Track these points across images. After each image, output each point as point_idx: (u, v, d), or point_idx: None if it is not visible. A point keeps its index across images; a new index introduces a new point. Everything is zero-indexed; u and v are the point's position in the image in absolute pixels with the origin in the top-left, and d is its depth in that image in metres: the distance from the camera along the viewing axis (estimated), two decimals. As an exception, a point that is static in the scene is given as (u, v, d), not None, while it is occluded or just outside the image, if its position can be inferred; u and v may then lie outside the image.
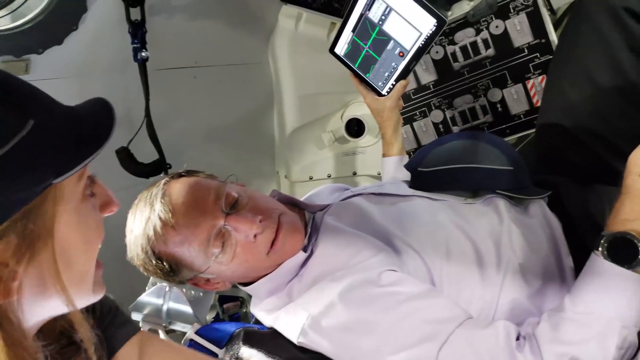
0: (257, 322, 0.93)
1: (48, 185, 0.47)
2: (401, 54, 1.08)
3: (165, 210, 0.81)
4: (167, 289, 0.86)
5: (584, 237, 0.82)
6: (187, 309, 0.87)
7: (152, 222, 0.81)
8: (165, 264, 0.81)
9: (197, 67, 1.45)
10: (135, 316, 0.94)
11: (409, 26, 1.04)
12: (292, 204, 1.00)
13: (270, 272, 0.87)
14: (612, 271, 0.70)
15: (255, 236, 0.84)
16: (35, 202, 0.46)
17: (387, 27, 1.07)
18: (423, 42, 1.04)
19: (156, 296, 0.87)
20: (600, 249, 0.71)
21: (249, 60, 1.58)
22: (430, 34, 1.03)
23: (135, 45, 1.21)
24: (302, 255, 0.88)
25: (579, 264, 0.82)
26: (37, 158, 0.45)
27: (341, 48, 1.17)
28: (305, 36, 1.51)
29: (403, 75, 1.11)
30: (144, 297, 0.87)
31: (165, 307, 0.87)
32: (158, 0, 1.29)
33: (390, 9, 1.05)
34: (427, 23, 1.01)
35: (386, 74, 1.13)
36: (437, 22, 1.00)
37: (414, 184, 1.02)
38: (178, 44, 1.39)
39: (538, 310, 0.81)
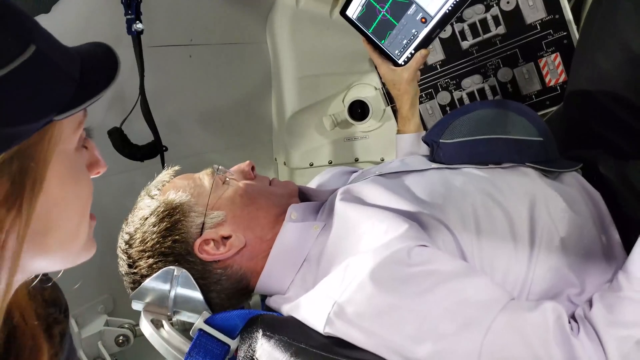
0: (270, 309, 0.86)
1: (49, 121, 0.44)
2: (424, 20, 1.01)
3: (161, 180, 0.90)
4: (175, 272, 0.77)
5: (630, 210, 0.76)
6: (197, 294, 0.78)
7: (151, 185, 0.90)
8: (170, 210, 0.82)
9: (192, 45, 1.37)
10: (137, 305, 0.85)
11: None
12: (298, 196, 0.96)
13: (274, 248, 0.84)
14: None
15: (253, 168, 0.93)
16: (32, 140, 0.44)
17: None
18: (451, 7, 0.97)
19: (162, 281, 0.79)
20: None
21: (247, 39, 1.50)
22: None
23: (129, 17, 1.12)
24: (309, 226, 0.83)
25: (627, 240, 0.78)
26: (38, 87, 0.43)
27: (353, 10, 1.09)
28: (306, 13, 1.43)
29: (424, 43, 1.04)
30: (149, 283, 0.78)
31: (172, 293, 0.79)
32: (153, -31, 1.20)
33: None
34: None
35: (404, 42, 1.06)
36: None
37: (435, 157, 0.95)
38: (173, 19, 1.30)
39: (580, 281, 0.75)
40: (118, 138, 1.16)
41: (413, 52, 1.06)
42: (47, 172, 0.46)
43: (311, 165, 1.66)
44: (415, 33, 1.03)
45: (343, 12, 1.10)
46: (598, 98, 0.94)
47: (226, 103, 1.52)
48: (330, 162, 1.65)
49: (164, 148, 1.23)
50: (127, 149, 1.18)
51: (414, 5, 1.01)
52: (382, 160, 1.61)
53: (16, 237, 0.45)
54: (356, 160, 1.66)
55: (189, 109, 1.42)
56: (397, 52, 1.08)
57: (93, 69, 0.49)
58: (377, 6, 1.04)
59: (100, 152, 0.62)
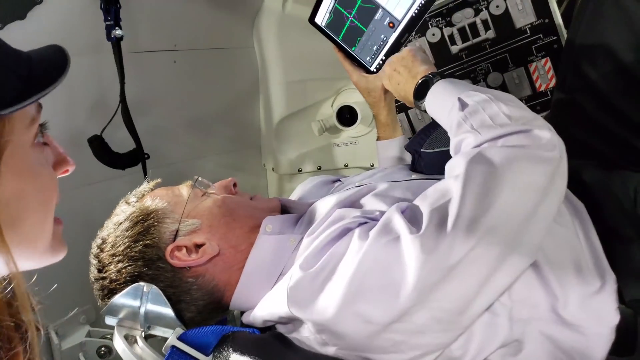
0: (246, 325, 0.84)
1: None
2: (391, 24, 1.00)
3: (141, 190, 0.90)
4: (145, 288, 0.76)
5: (613, 220, 0.74)
6: (168, 310, 0.76)
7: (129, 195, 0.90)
8: (145, 215, 0.82)
9: (176, 50, 1.35)
10: (110, 320, 0.83)
11: None
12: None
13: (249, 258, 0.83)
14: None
15: (235, 185, 0.93)
16: None
17: None
18: (417, 11, 0.96)
19: (132, 297, 0.77)
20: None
21: (233, 44, 1.48)
22: (425, 2, 0.94)
23: (108, 23, 1.10)
24: (285, 239, 0.83)
25: (609, 250, 0.77)
26: None
27: (322, 18, 1.07)
28: (293, 17, 1.41)
29: (394, 49, 1.03)
30: (118, 299, 0.77)
31: (142, 310, 0.77)
32: (133, -28, 1.18)
33: None
34: None
35: (375, 48, 1.04)
36: None
37: (417, 166, 0.94)
38: (156, 24, 1.28)
39: (564, 293, 0.73)
40: (98, 146, 1.14)
41: (384, 58, 1.05)
42: (2, 166, 0.47)
43: (300, 171, 1.64)
44: (385, 38, 1.02)
45: (312, 20, 1.08)
46: (583, 106, 0.93)
47: (212, 109, 1.50)
48: (319, 168, 1.63)
49: (146, 156, 1.22)
50: (107, 157, 1.16)
51: (380, 10, 0.99)
52: (372, 165, 1.59)
53: None
54: (346, 165, 1.64)
55: (174, 115, 1.40)
56: (368, 58, 1.07)
57: (43, 68, 0.50)
58: (345, 12, 1.03)
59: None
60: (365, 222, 0.74)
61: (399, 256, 0.64)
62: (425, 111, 0.89)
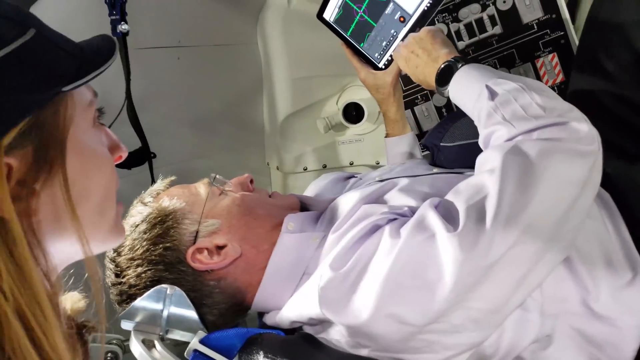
0: (269, 327, 0.81)
1: (57, 92, 0.48)
2: (402, 19, 0.98)
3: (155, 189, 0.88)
4: (168, 290, 0.73)
5: (637, 211, 0.74)
6: (192, 313, 0.74)
7: (145, 193, 0.87)
8: (163, 216, 0.80)
9: (180, 47, 1.32)
10: (126, 325, 0.80)
11: None
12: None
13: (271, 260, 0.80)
14: None
15: (251, 181, 0.90)
16: (48, 111, 0.47)
17: None
18: (429, 5, 0.94)
19: (155, 300, 0.74)
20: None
21: (237, 40, 1.46)
22: None
23: (113, 17, 1.06)
24: (307, 237, 0.81)
25: (637, 240, 0.76)
26: (42, 62, 0.47)
27: (330, 13, 1.06)
28: (298, 12, 1.39)
29: None
30: (140, 302, 0.74)
31: (165, 313, 0.74)
32: (138, -34, 1.15)
33: None
34: None
35: (384, 43, 1.03)
36: None
37: (436, 161, 0.92)
38: (160, 20, 1.26)
39: (595, 286, 0.72)
40: (104, 145, 1.11)
41: (394, 52, 1.03)
42: (67, 141, 0.49)
43: (305, 169, 1.62)
44: (395, 33, 1.01)
45: (320, 15, 1.06)
46: (601, 98, 0.92)
47: (216, 106, 1.48)
48: (324, 166, 1.61)
49: (152, 155, 1.19)
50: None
51: (391, 4, 0.98)
52: (378, 163, 1.58)
53: (62, 199, 0.48)
54: (351, 163, 1.62)
55: (178, 113, 1.37)
56: (377, 55, 1.05)
57: (93, 51, 0.53)
58: (354, 7, 1.01)
59: None
60: (395, 219, 0.72)
61: (436, 255, 0.62)
62: (448, 97, 0.86)
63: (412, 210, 0.74)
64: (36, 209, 0.47)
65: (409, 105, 1.44)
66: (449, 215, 0.66)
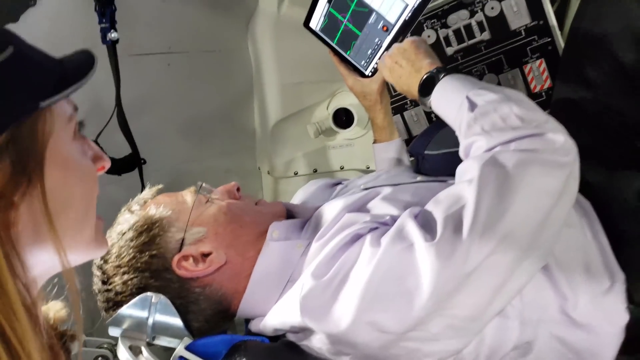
0: (254, 334, 0.82)
1: (35, 107, 0.49)
2: (385, 28, 1.00)
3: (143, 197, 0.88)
4: (153, 298, 0.74)
5: (618, 219, 0.75)
6: (177, 321, 0.75)
7: (132, 202, 0.87)
8: (149, 224, 0.80)
9: (171, 53, 1.33)
10: (113, 331, 0.81)
11: None
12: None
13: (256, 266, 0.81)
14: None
15: (238, 189, 0.90)
16: (26, 125, 0.48)
17: None
18: (410, 15, 0.96)
19: (140, 308, 0.75)
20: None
21: (228, 46, 1.46)
22: (419, 5, 0.94)
23: (103, 25, 1.08)
24: (292, 245, 0.82)
25: (615, 249, 0.78)
26: (20, 78, 0.48)
27: (316, 22, 1.07)
28: (288, 19, 1.40)
29: None
30: (125, 310, 0.75)
31: (150, 321, 0.75)
32: (127, -26, 1.16)
33: None
34: None
35: (369, 51, 1.04)
36: None
37: (420, 169, 0.93)
38: (150, 27, 1.27)
39: (574, 294, 0.74)
40: (94, 152, 1.12)
41: (379, 62, 1.05)
42: (47, 155, 0.50)
43: (296, 174, 1.63)
44: (379, 42, 1.02)
45: (306, 24, 1.08)
46: (584, 107, 0.93)
47: (207, 111, 1.49)
48: (315, 171, 1.62)
49: (142, 161, 1.20)
50: (103, 163, 1.13)
51: (374, 14, 0.99)
52: (368, 167, 1.59)
53: (40, 212, 0.49)
54: (341, 168, 1.63)
55: (169, 118, 1.38)
56: (363, 62, 1.07)
57: (73, 66, 0.54)
58: (339, 16, 1.03)
59: None
60: (376, 228, 0.73)
61: (414, 264, 0.63)
62: (430, 108, 0.87)
63: (394, 219, 0.75)
64: (15, 220, 0.48)
65: (399, 110, 1.45)
66: (427, 225, 0.67)
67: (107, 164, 0.62)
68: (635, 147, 0.87)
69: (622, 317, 0.73)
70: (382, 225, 0.74)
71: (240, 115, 1.59)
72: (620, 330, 0.73)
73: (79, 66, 0.54)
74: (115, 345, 1.18)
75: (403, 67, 0.93)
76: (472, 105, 0.76)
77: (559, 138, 0.69)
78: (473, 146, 0.74)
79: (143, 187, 1.10)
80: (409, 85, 0.92)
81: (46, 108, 0.50)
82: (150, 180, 1.00)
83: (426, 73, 0.88)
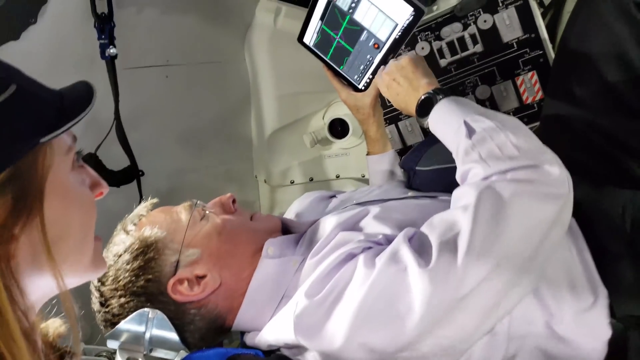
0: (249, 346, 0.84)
1: (36, 143, 0.50)
2: (376, 45, 1.01)
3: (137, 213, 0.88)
4: (150, 314, 0.76)
5: (602, 236, 0.77)
6: (173, 335, 0.77)
7: (127, 219, 0.88)
8: (144, 247, 0.81)
9: (169, 65, 1.35)
10: (112, 344, 0.83)
11: (383, 16, 0.97)
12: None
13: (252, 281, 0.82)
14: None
15: (234, 201, 0.91)
16: (27, 160, 0.50)
17: (359, 16, 1.00)
18: (400, 34, 0.97)
19: (137, 323, 0.77)
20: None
21: (225, 58, 1.48)
22: (408, 25, 0.95)
23: (102, 41, 1.10)
24: (287, 261, 0.83)
25: (599, 266, 0.79)
26: (22, 116, 0.49)
27: (310, 38, 1.10)
28: (284, 32, 1.42)
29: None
30: (123, 325, 0.77)
31: (147, 335, 0.77)
32: (126, -9, 1.19)
33: None
34: (403, 12, 0.94)
35: (361, 67, 1.07)
36: (414, 11, 0.93)
37: (412, 183, 0.95)
38: (149, 40, 1.29)
39: (559, 309, 0.75)
40: (93, 164, 1.14)
41: (371, 77, 1.07)
42: (46, 187, 0.52)
43: (292, 182, 1.65)
44: (370, 58, 1.04)
45: (300, 39, 1.10)
46: (573, 124, 0.94)
47: (205, 122, 1.51)
48: (311, 179, 1.64)
49: (141, 173, 1.22)
50: (102, 175, 1.14)
51: (365, 32, 1.01)
52: (363, 176, 1.61)
53: (39, 242, 0.51)
54: (337, 176, 1.65)
55: (167, 130, 1.40)
56: (356, 77, 1.09)
57: (72, 100, 0.55)
58: (331, 33, 1.05)
59: None
60: (369, 247, 0.74)
61: (407, 288, 0.65)
62: (427, 128, 0.88)
63: (387, 238, 0.77)
64: (15, 252, 0.49)
65: (393, 120, 1.47)
66: (422, 249, 0.69)
67: (105, 190, 0.63)
68: (621, 164, 0.89)
69: (605, 332, 0.75)
70: (375, 244, 0.76)
71: (237, 125, 1.61)
72: (603, 345, 0.75)
73: (78, 99, 0.56)
74: (114, 353, 1.21)
75: (401, 84, 0.94)
76: (470, 132, 0.77)
77: (555, 170, 0.70)
78: (470, 173, 0.76)
79: (141, 199, 1.12)
80: (406, 103, 0.94)
81: (46, 142, 0.51)
82: (149, 191, 1.01)
83: (424, 94, 0.89)
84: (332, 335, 0.67)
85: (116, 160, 1.19)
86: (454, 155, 0.81)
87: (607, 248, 0.81)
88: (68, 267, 0.55)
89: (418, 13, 0.91)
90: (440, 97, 0.86)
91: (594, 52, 0.92)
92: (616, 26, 0.88)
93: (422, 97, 0.89)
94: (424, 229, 0.72)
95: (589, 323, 0.75)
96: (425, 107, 0.88)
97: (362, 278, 0.68)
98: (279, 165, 1.64)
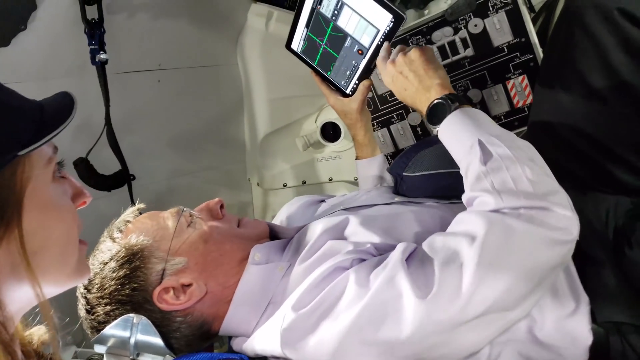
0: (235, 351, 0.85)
1: (14, 157, 0.50)
2: (360, 51, 1.02)
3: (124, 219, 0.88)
4: (135, 319, 0.77)
5: (585, 243, 0.77)
6: (157, 340, 0.78)
7: (114, 225, 0.87)
8: (130, 255, 0.80)
9: (161, 69, 1.36)
10: (99, 349, 0.84)
11: (365, 22, 0.97)
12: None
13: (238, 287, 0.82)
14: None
15: (222, 207, 0.90)
16: (4, 174, 0.50)
17: (342, 23, 1.01)
18: (382, 40, 0.98)
19: (122, 329, 0.78)
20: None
21: (217, 62, 1.49)
22: (389, 31, 0.96)
23: (92, 47, 1.11)
24: (273, 267, 0.83)
25: (582, 273, 0.80)
26: (0, 130, 0.50)
27: (297, 44, 1.11)
28: (276, 36, 1.42)
29: (365, 74, 1.05)
30: (108, 330, 0.78)
31: (132, 340, 0.78)
32: (117, -3, 1.19)
33: (343, 4, 0.97)
34: (383, 19, 0.94)
35: (347, 73, 1.08)
36: (393, 17, 0.92)
37: (398, 190, 0.96)
38: (140, 45, 1.29)
39: (541, 317, 0.76)
40: (84, 169, 1.15)
41: (357, 82, 1.07)
42: (25, 199, 0.52)
43: (285, 185, 1.65)
44: (355, 64, 1.05)
45: (288, 46, 1.11)
46: (559, 130, 0.95)
47: (198, 126, 1.51)
48: (304, 182, 1.65)
49: (132, 177, 1.22)
50: (93, 180, 1.16)
51: (349, 38, 1.02)
52: (356, 179, 1.62)
53: (18, 253, 0.51)
54: (330, 179, 1.66)
55: (160, 134, 1.41)
56: (343, 82, 1.10)
57: (53, 112, 0.56)
58: (317, 40, 1.06)
59: None
60: (359, 259, 0.74)
61: (401, 315, 0.65)
62: (436, 135, 0.86)
63: (376, 247, 0.78)
64: None
65: (385, 124, 1.47)
66: (422, 274, 0.68)
67: (88, 199, 0.63)
68: (605, 170, 0.90)
69: (586, 338, 0.76)
70: (364, 254, 0.76)
71: (230, 129, 1.62)
72: (584, 351, 0.76)
73: (58, 110, 0.56)
74: (105, 356, 1.22)
75: (409, 80, 0.90)
76: (485, 156, 0.75)
77: (566, 214, 0.70)
78: (479, 199, 0.74)
79: (133, 203, 1.13)
80: (414, 100, 0.90)
81: (25, 155, 0.51)
82: (142, 195, 1.02)
83: (437, 98, 0.85)
84: (318, 351, 0.67)
85: (108, 164, 1.20)
86: (462, 173, 0.79)
87: (589, 254, 0.82)
88: (50, 276, 0.56)
89: (398, 19, 0.92)
90: (454, 106, 0.82)
91: (579, 58, 0.92)
92: (600, 33, 0.88)
93: (435, 102, 0.85)
94: (426, 249, 0.71)
95: (571, 329, 0.76)
96: (436, 113, 0.84)
97: (354, 297, 0.68)
98: (272, 168, 1.65)
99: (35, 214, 0.53)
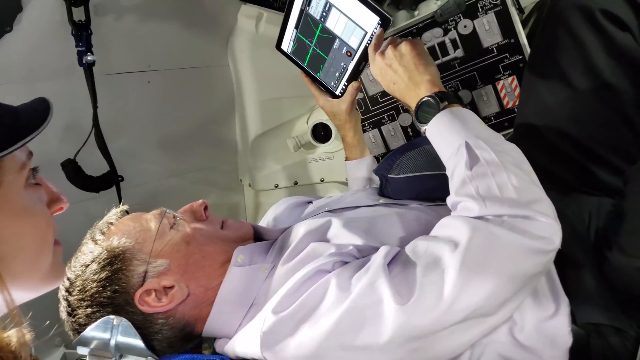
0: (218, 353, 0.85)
1: None
2: (349, 53, 1.02)
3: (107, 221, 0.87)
4: (115, 321, 0.77)
5: (565, 245, 0.77)
6: (138, 342, 0.78)
7: (97, 227, 0.87)
8: (112, 258, 0.80)
9: (150, 71, 1.36)
10: (82, 350, 0.84)
11: (353, 24, 0.97)
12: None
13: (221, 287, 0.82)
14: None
15: (206, 208, 0.89)
16: None
17: (330, 25, 1.01)
18: (369, 42, 0.98)
19: (102, 330, 0.78)
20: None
21: (207, 63, 1.49)
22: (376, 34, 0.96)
23: (79, 49, 1.11)
24: (256, 269, 0.83)
25: (562, 275, 0.80)
26: None
27: (287, 45, 1.11)
28: (266, 37, 1.42)
29: (354, 75, 1.05)
30: (89, 332, 0.78)
31: (112, 342, 0.78)
32: (105, -2, 1.20)
33: (331, 6, 0.98)
34: (370, 21, 0.94)
35: (337, 74, 1.08)
36: (380, 20, 0.92)
37: (384, 192, 0.96)
38: (129, 46, 1.29)
39: (521, 318, 0.76)
40: (71, 170, 1.15)
41: (346, 83, 1.07)
42: None
43: (276, 186, 1.65)
44: (344, 66, 1.05)
45: (278, 47, 1.11)
46: (543, 132, 0.95)
47: (189, 127, 1.51)
48: (295, 183, 1.65)
49: (120, 178, 1.22)
50: (81, 181, 1.16)
51: (337, 40, 1.02)
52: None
53: None
54: (322, 180, 1.66)
55: (149, 135, 1.41)
56: (332, 83, 1.10)
57: (27, 117, 0.55)
58: (306, 41, 1.06)
59: (55, 184, 0.64)
60: (340, 263, 0.74)
61: (381, 321, 0.65)
62: (424, 133, 0.85)
63: (358, 249, 0.78)
64: None
65: (376, 125, 1.47)
66: (404, 279, 0.68)
67: (65, 205, 0.63)
68: (588, 171, 0.90)
69: (566, 340, 0.76)
70: (347, 256, 0.76)
71: (221, 130, 1.62)
72: (564, 353, 0.76)
73: (33, 116, 0.55)
74: (94, 358, 1.22)
75: (398, 73, 0.88)
76: (471, 160, 0.75)
77: (549, 223, 0.69)
78: (462, 204, 0.74)
79: (121, 204, 1.13)
80: (403, 95, 0.89)
81: None
82: (131, 197, 1.02)
83: (426, 96, 0.84)
84: (298, 354, 0.67)
85: (96, 165, 1.20)
86: (448, 173, 0.79)
87: (570, 256, 0.82)
88: (21, 281, 0.56)
89: (385, 21, 0.92)
90: (443, 104, 0.81)
91: (563, 61, 0.92)
92: (584, 35, 0.88)
93: (423, 99, 0.84)
94: (409, 253, 0.72)
95: (551, 331, 0.76)
96: (425, 111, 0.83)
97: (335, 301, 0.68)
98: (263, 169, 1.65)
99: (7, 220, 0.53)
